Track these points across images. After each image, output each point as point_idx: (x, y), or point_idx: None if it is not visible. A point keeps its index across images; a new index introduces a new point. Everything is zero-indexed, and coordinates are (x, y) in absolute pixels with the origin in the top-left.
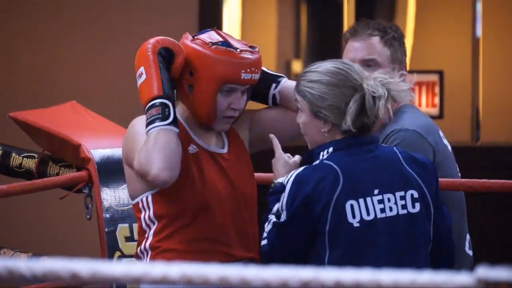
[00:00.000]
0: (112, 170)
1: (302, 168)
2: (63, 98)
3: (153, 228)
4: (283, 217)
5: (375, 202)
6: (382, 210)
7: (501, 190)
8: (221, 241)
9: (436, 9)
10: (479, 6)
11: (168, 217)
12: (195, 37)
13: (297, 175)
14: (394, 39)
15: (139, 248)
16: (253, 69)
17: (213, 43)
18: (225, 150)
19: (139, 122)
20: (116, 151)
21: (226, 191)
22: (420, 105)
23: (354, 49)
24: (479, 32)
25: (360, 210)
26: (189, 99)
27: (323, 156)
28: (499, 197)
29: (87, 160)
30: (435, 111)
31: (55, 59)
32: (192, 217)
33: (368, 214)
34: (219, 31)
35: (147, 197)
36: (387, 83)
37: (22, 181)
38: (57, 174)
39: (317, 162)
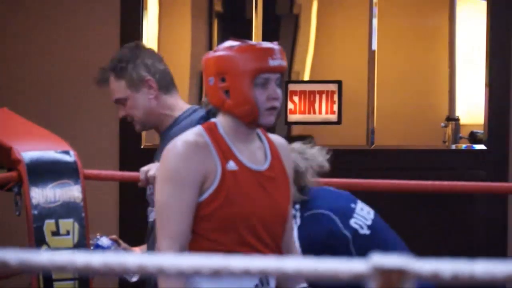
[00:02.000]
0: (40, 171)
1: None
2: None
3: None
4: None
5: None
6: None
7: (393, 190)
8: (255, 248)
9: (336, 25)
10: (375, 22)
11: (204, 233)
12: (217, 48)
13: None
14: (126, 64)
15: None
16: (279, 55)
17: (234, 45)
18: (265, 167)
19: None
20: (44, 154)
21: (265, 207)
22: (320, 112)
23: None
24: (375, 45)
25: None
26: (229, 105)
27: None
28: (391, 196)
29: (17, 162)
30: (334, 117)
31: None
32: (227, 230)
33: None
34: (235, 38)
35: None
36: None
37: None
38: None
39: None
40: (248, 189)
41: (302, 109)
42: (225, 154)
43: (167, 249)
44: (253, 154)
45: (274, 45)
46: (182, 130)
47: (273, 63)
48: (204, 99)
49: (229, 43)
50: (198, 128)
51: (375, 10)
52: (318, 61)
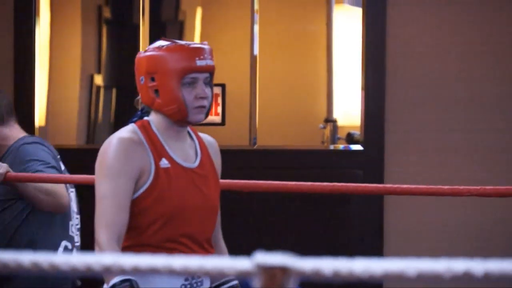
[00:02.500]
0: None
1: None
2: None
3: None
4: None
5: None
6: None
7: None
8: (187, 245)
9: (219, 31)
10: (256, 28)
11: (139, 226)
12: (148, 48)
13: None
14: None
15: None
16: (206, 55)
17: (163, 45)
18: (196, 164)
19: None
20: None
21: (196, 202)
22: None
23: None
24: (256, 50)
25: None
26: (158, 104)
27: None
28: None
29: None
30: (218, 119)
31: None
32: (161, 225)
33: None
34: (165, 38)
35: None
36: None
37: None
38: None
39: None
40: (180, 185)
41: None
42: (158, 151)
43: (105, 238)
44: (184, 151)
45: (203, 45)
46: (10, 158)
47: (200, 63)
48: (138, 97)
49: (159, 42)
50: (132, 126)
51: (256, 17)
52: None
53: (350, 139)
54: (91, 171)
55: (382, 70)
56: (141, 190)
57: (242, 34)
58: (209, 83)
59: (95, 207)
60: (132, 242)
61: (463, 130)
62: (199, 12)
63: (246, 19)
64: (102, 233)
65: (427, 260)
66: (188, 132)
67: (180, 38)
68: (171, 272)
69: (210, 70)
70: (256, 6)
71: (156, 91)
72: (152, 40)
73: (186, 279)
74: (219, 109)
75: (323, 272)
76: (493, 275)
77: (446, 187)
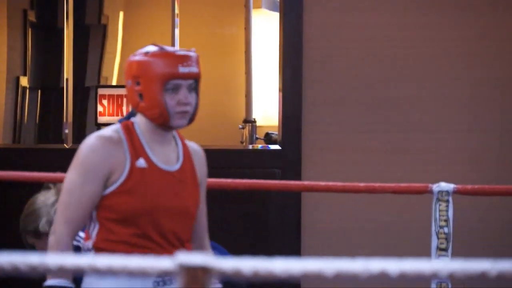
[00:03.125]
0: None
1: None
2: None
3: (96, 228)
4: None
5: None
6: None
7: None
8: (159, 243)
9: (141, 33)
10: (177, 32)
11: (111, 221)
12: (136, 53)
13: None
14: None
15: (85, 246)
16: (189, 62)
17: (150, 51)
18: (176, 168)
19: (84, 153)
20: None
21: (168, 204)
22: (122, 114)
23: None
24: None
25: None
26: (142, 107)
27: None
28: None
29: None
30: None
31: None
32: (131, 222)
33: None
34: (156, 44)
35: None
36: None
37: None
38: None
39: None
40: (154, 186)
41: (111, 111)
42: (137, 151)
43: (61, 232)
44: (166, 155)
45: (188, 52)
46: None
47: (183, 70)
48: None
49: (147, 48)
50: (116, 125)
51: (177, 21)
52: (122, 60)
53: (269, 139)
54: (17, 169)
55: (299, 72)
56: (113, 187)
57: (163, 37)
58: (194, 89)
59: (60, 198)
60: (103, 236)
61: (382, 131)
62: (121, 15)
63: (167, 22)
64: (61, 226)
65: (345, 260)
66: (174, 137)
67: (103, 41)
68: (96, 272)
69: (194, 77)
70: (176, 10)
71: (141, 95)
72: (76, 43)
73: (159, 276)
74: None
75: (243, 272)
76: (409, 275)
77: (362, 184)
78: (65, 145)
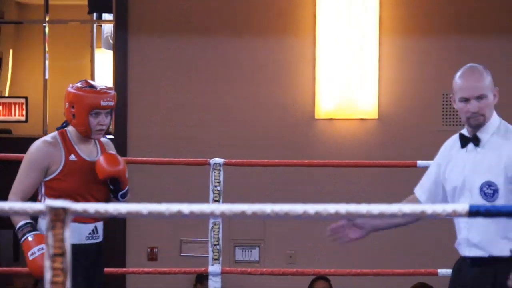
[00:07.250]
0: None
1: None
2: None
3: (43, 200)
4: None
5: None
6: None
7: None
8: None
9: (26, 61)
10: (47, 62)
11: (53, 195)
12: (74, 85)
13: None
14: None
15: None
16: (109, 98)
17: (83, 87)
18: (96, 158)
19: (33, 152)
20: None
21: (93, 184)
22: (15, 115)
23: None
24: (47, 75)
25: None
26: (74, 123)
27: None
28: None
29: None
30: (23, 118)
31: None
32: (66, 198)
33: None
34: (87, 80)
35: (41, 184)
36: None
37: None
38: None
39: None
40: (82, 172)
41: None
42: (69, 150)
43: (11, 200)
44: (89, 151)
45: (109, 91)
46: None
47: (103, 103)
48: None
49: (80, 83)
50: (55, 133)
51: (47, 55)
52: (11, 81)
53: None
54: None
55: (125, 105)
56: (53, 174)
57: (38, 66)
58: (110, 113)
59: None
60: None
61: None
62: (10, 53)
63: (40, 56)
64: (12, 196)
65: None
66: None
67: None
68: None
69: (110, 108)
70: (47, 48)
71: (74, 115)
72: None
73: (93, 230)
74: (24, 112)
75: (90, 211)
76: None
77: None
78: None
